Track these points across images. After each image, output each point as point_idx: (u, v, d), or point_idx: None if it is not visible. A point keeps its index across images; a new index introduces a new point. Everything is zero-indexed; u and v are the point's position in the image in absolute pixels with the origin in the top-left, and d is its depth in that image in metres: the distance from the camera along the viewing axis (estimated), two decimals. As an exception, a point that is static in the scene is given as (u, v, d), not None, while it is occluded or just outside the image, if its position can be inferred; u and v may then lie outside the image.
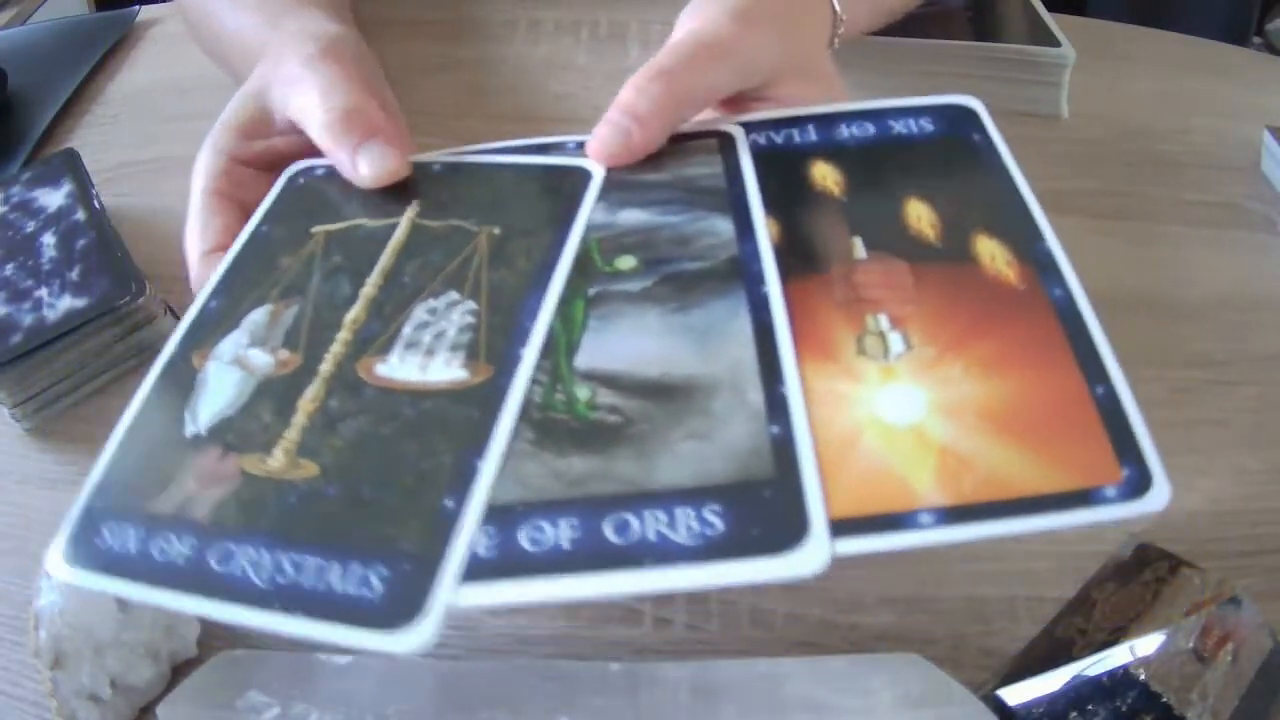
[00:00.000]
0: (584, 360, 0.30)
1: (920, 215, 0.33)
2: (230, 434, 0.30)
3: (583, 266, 0.33)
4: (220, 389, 0.32)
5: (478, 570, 0.26)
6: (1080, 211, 0.56)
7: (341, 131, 0.37)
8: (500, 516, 0.27)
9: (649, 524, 0.26)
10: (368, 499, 0.28)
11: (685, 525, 0.26)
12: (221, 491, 0.29)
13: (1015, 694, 0.32)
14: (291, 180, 0.40)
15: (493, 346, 0.31)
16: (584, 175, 0.37)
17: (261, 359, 0.33)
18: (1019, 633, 0.35)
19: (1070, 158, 0.60)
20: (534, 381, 0.30)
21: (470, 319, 0.32)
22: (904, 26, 0.61)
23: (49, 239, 0.49)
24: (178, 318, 0.36)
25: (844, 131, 0.37)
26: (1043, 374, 0.28)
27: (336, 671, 0.32)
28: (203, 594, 0.27)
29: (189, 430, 0.31)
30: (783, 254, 0.33)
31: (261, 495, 0.29)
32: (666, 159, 0.37)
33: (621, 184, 0.36)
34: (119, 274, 0.47)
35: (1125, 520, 0.25)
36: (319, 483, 0.29)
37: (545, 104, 0.63)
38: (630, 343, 0.31)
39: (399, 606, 0.25)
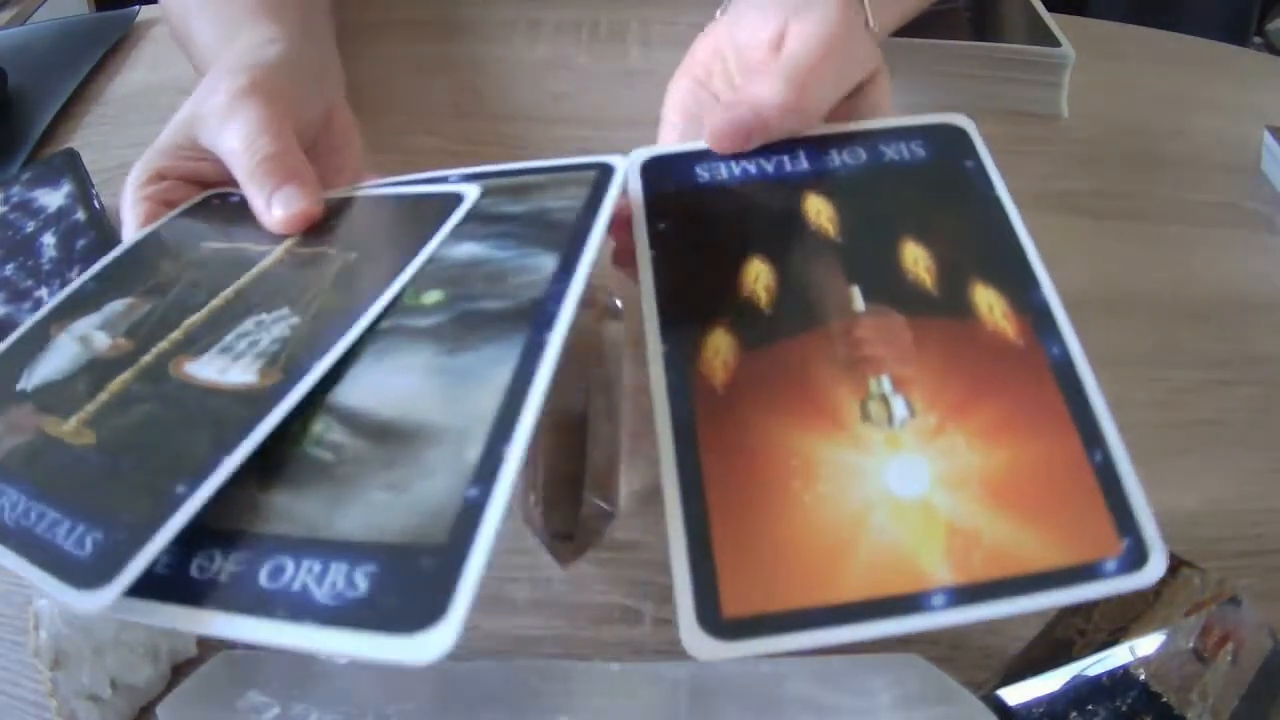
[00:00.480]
0: (339, 393, 0.30)
1: (917, 259, 0.33)
2: (48, 396, 0.33)
3: (393, 299, 0.33)
4: (58, 358, 0.35)
5: (149, 587, 0.26)
6: (1080, 211, 0.56)
7: (261, 177, 0.39)
8: (184, 540, 0.27)
9: (301, 574, 0.25)
10: (121, 471, 0.29)
11: (331, 582, 0.25)
12: (18, 440, 0.32)
13: (1015, 694, 0.32)
14: (206, 200, 0.42)
15: (292, 357, 0.32)
16: (454, 200, 0.37)
17: (101, 340, 0.35)
18: (1019, 633, 0.35)
19: (1070, 158, 0.60)
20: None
21: (286, 331, 0.33)
22: (904, 26, 0.61)
23: (49, 239, 0.49)
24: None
25: (835, 159, 0.37)
26: (1043, 443, 0.28)
27: (336, 672, 0.32)
28: None
29: (19, 385, 0.34)
30: (779, 306, 0.32)
31: (43, 450, 0.31)
32: (538, 188, 0.36)
33: (482, 214, 0.36)
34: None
35: (1122, 591, 0.26)
36: (90, 451, 0.30)
37: (545, 104, 0.63)
38: (387, 380, 0.30)
39: (94, 570, 0.26)
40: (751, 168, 0.37)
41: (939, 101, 0.62)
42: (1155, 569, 0.26)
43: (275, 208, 0.38)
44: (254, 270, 0.36)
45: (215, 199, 0.42)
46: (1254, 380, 0.48)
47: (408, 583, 0.24)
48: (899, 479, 0.28)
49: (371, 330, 0.32)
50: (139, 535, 0.26)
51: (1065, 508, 0.27)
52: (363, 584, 0.25)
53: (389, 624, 0.23)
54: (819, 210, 0.35)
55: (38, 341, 0.36)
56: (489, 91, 0.64)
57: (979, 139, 0.37)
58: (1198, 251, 0.55)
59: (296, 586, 0.25)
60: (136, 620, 0.26)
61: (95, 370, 0.34)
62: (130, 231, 0.40)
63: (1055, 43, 0.61)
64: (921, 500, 0.28)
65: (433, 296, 0.32)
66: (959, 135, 0.37)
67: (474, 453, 0.26)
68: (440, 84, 0.65)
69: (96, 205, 0.51)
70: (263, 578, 0.26)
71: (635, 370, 0.37)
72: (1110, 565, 0.26)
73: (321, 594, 0.25)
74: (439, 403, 0.29)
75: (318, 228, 0.38)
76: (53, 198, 0.52)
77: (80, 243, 0.49)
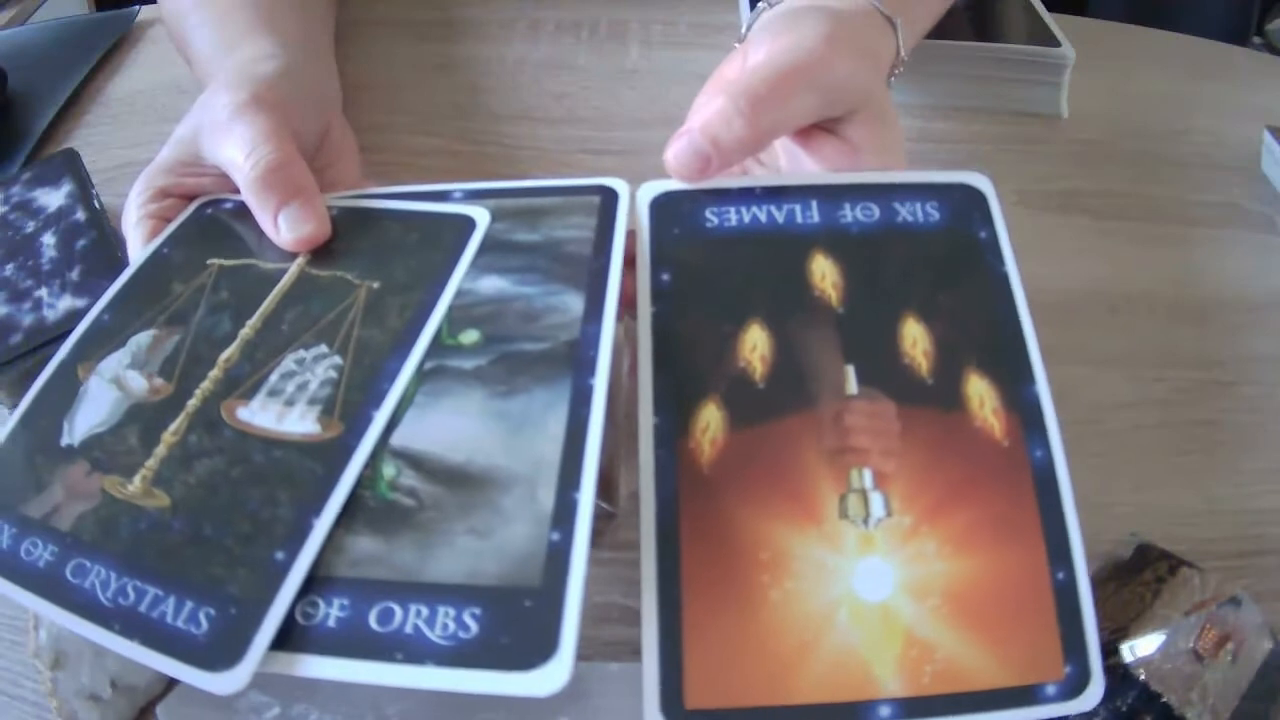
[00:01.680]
0: (401, 437, 0.31)
1: (916, 340, 0.33)
2: (98, 451, 0.32)
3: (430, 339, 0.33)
4: (97, 405, 0.34)
5: None
6: (1080, 211, 0.56)
7: (264, 190, 0.38)
8: None
9: (411, 617, 0.27)
10: (207, 538, 0.29)
11: (442, 624, 0.26)
12: (83, 506, 0.31)
13: (1015, 694, 0.32)
14: (200, 210, 0.41)
15: (348, 404, 0.32)
16: (468, 225, 0.37)
17: (137, 382, 0.34)
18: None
19: (1070, 158, 0.60)
20: None
21: (333, 374, 0.33)
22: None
23: (49, 239, 0.49)
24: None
25: (848, 214, 0.36)
26: (1011, 554, 0.29)
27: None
28: (57, 601, 0.29)
29: (64, 440, 0.33)
30: (773, 380, 0.32)
31: (116, 517, 0.31)
32: (546, 214, 0.36)
33: (496, 242, 0.36)
34: (119, 274, 0.47)
35: (1055, 715, 0.27)
36: (167, 514, 0.30)
37: (545, 104, 0.63)
38: (447, 424, 0.31)
39: (220, 649, 0.27)
40: (761, 215, 0.36)
41: (939, 101, 0.62)
42: (1092, 697, 0.27)
43: (284, 229, 0.38)
44: (274, 294, 0.36)
45: (208, 207, 0.41)
46: (1254, 380, 0.48)
47: (515, 623, 0.26)
48: (866, 582, 0.29)
49: (418, 371, 0.32)
50: (255, 610, 0.27)
51: (1019, 627, 0.28)
52: (473, 625, 0.26)
53: (505, 661, 0.25)
54: (824, 274, 0.35)
55: (68, 387, 0.35)
56: (489, 91, 0.64)
57: (995, 203, 0.36)
58: (1198, 251, 0.55)
59: (409, 630, 0.27)
60: (258, 671, 0.27)
61: (141, 418, 0.33)
62: (135, 249, 0.40)
63: (1055, 43, 0.60)
64: (883, 606, 0.28)
65: (470, 336, 0.33)
66: (977, 199, 0.36)
67: (547, 499, 0.28)
68: (440, 84, 0.65)
69: (96, 205, 0.51)
70: (372, 622, 0.27)
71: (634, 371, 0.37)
72: (1050, 690, 0.27)
73: (435, 636, 0.26)
74: (501, 448, 0.30)
75: (327, 246, 0.38)
76: (53, 198, 0.52)
77: (80, 243, 0.49)
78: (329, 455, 0.31)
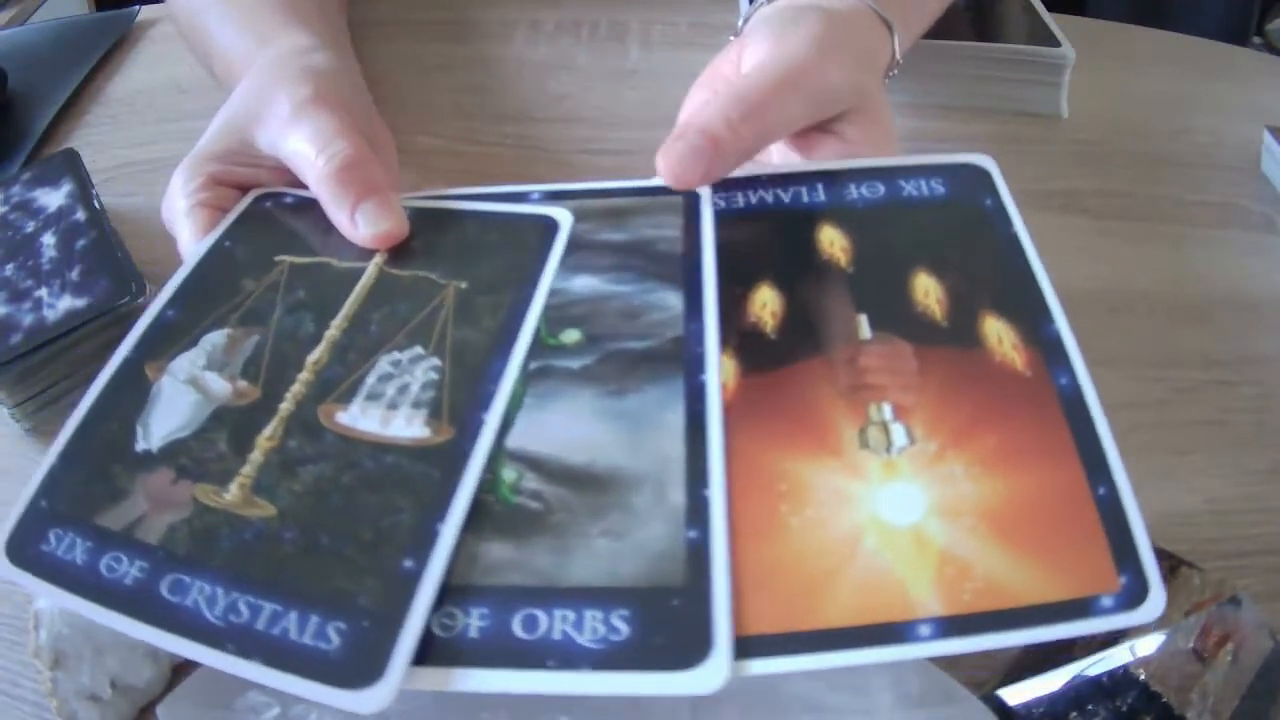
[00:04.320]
0: (516, 439, 0.30)
1: (928, 290, 0.33)
2: (183, 458, 0.31)
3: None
4: (174, 408, 0.32)
5: None
6: (1080, 211, 0.56)
7: (339, 186, 0.37)
8: None
9: (556, 623, 0.26)
10: (325, 548, 0.28)
11: (591, 628, 0.26)
12: (172, 517, 0.29)
13: (1015, 694, 0.32)
14: (258, 202, 0.40)
15: (455, 407, 0.31)
16: (550, 226, 0.37)
17: (219, 385, 0.32)
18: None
19: (1070, 158, 0.60)
20: None
21: (434, 375, 0.32)
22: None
23: (49, 239, 0.49)
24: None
25: (853, 192, 0.36)
26: (1045, 473, 0.28)
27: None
28: (153, 621, 0.27)
29: (139, 445, 0.31)
30: (784, 333, 0.32)
31: (214, 527, 0.29)
32: (630, 214, 0.36)
33: (582, 242, 0.36)
34: (119, 274, 0.47)
35: (1118, 628, 0.26)
36: (275, 524, 0.29)
37: (545, 104, 0.63)
38: (562, 425, 0.31)
39: (358, 665, 0.26)
40: (769, 197, 0.37)
41: (939, 101, 0.62)
42: (1154, 607, 0.25)
43: (362, 226, 0.37)
44: (356, 294, 0.35)
45: (266, 200, 0.40)
46: (1254, 380, 0.48)
47: (665, 623, 0.26)
48: (892, 506, 0.28)
49: (524, 371, 0.32)
50: (390, 622, 0.26)
51: (1063, 541, 0.27)
52: (624, 628, 0.26)
53: (660, 662, 0.25)
54: (832, 240, 0.35)
55: (136, 387, 0.33)
56: (490, 91, 0.64)
57: (1000, 179, 0.36)
58: (1198, 251, 0.55)
59: (557, 635, 0.26)
60: (402, 687, 0.25)
61: (228, 422, 0.31)
62: (187, 239, 0.39)
63: (1055, 43, 0.61)
64: (914, 528, 0.27)
65: (571, 336, 0.33)
66: (981, 175, 0.37)
67: (677, 496, 0.28)
68: (441, 84, 0.65)
69: (96, 205, 0.51)
70: (517, 630, 0.26)
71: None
72: (1107, 601, 0.26)
73: (585, 640, 0.26)
74: (623, 448, 0.30)
75: (405, 245, 0.37)
76: (53, 198, 0.52)
77: (80, 243, 0.49)
78: (445, 459, 0.30)
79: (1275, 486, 0.44)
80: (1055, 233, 0.55)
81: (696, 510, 0.28)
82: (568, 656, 0.25)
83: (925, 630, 0.26)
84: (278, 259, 0.37)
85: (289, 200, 0.40)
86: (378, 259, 0.37)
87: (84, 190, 0.52)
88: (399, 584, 0.27)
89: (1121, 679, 0.32)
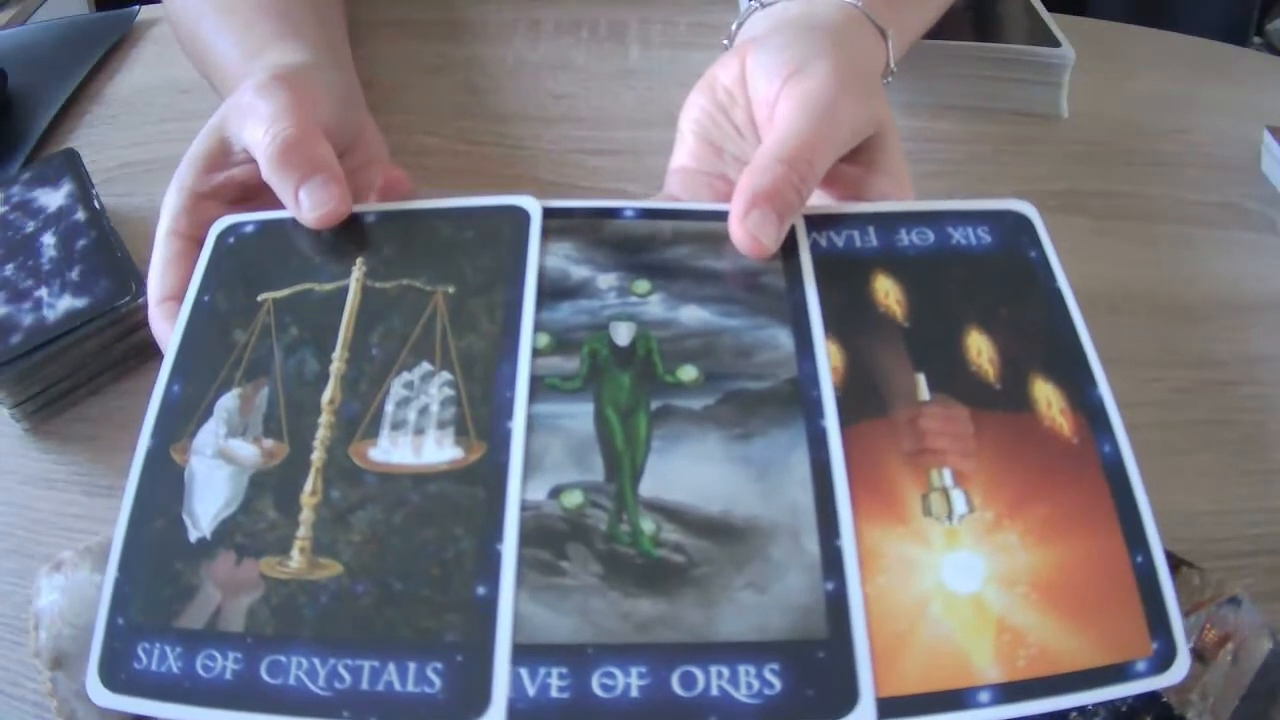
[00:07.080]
0: (649, 488, 0.30)
1: (980, 349, 0.34)
2: (239, 535, 0.30)
3: (644, 373, 0.33)
4: (213, 487, 0.31)
5: (550, 711, 0.26)
6: (1080, 211, 0.56)
7: (282, 168, 0.37)
8: (571, 658, 0.27)
9: (713, 679, 0.27)
10: (400, 594, 0.28)
11: (746, 683, 0.27)
12: (248, 599, 0.29)
13: (1015, 694, 0.32)
14: (221, 240, 0.38)
15: (479, 420, 0.31)
16: (522, 215, 0.36)
17: (245, 450, 0.32)
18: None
19: (1070, 158, 0.60)
20: (598, 506, 0.30)
21: (450, 391, 0.32)
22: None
23: (49, 239, 0.49)
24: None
25: (904, 238, 0.37)
26: (1091, 543, 0.30)
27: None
28: (264, 709, 0.27)
29: (193, 535, 0.31)
30: (848, 389, 0.32)
31: (291, 599, 0.29)
32: (727, 241, 0.36)
33: (682, 268, 0.36)
34: (119, 274, 0.47)
35: (1149, 690, 0.28)
36: (346, 580, 0.29)
37: (545, 104, 0.63)
38: (693, 471, 0.31)
39: (466, 700, 0.26)
40: (822, 241, 0.36)
41: (939, 101, 0.62)
42: (1180, 670, 0.27)
43: (306, 206, 0.36)
44: (346, 318, 0.35)
45: (228, 236, 0.38)
46: (1254, 380, 0.48)
47: (814, 674, 0.27)
48: (955, 574, 0.29)
49: (647, 412, 0.32)
50: (481, 652, 0.27)
51: (1105, 609, 0.29)
52: (776, 682, 0.27)
53: (813, 713, 0.26)
54: (887, 291, 0.35)
55: (169, 476, 0.32)
56: (489, 91, 0.64)
57: (1042, 228, 0.37)
58: (1198, 251, 0.55)
59: (715, 692, 0.26)
60: None
61: (268, 487, 0.31)
62: (158, 263, 0.38)
63: (1055, 43, 0.60)
64: (975, 596, 0.29)
65: (689, 374, 0.33)
66: (1024, 223, 0.37)
67: (812, 546, 0.29)
68: (440, 84, 0.65)
69: (96, 205, 0.51)
70: (676, 688, 0.27)
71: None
72: (1141, 666, 0.28)
73: (742, 695, 0.26)
74: (755, 496, 0.30)
75: (381, 255, 0.36)
76: (53, 198, 0.52)
77: (80, 243, 0.49)
78: (484, 477, 0.30)
79: (1275, 486, 0.44)
80: (1055, 233, 0.54)
81: (831, 562, 0.28)
82: (729, 713, 0.26)
83: (985, 697, 0.27)
84: (260, 298, 0.36)
85: (250, 229, 0.38)
86: (356, 273, 0.36)
87: (84, 190, 0.52)
88: (478, 613, 0.27)
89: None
